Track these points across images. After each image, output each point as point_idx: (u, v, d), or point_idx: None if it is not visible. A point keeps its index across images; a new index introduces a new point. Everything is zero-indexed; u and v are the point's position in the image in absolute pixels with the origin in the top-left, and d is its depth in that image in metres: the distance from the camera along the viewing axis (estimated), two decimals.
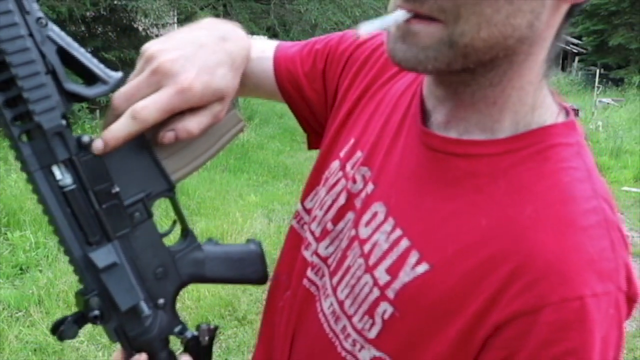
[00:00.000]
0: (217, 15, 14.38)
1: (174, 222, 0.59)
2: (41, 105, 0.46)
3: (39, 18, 0.46)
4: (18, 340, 2.86)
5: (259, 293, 3.58)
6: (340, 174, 0.65)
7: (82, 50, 0.49)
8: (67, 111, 0.50)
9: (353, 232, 0.60)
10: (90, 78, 0.50)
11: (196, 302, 3.24)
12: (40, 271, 3.60)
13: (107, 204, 0.51)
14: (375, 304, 0.55)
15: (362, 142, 0.64)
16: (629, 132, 9.99)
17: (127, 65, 10.10)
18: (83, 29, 10.38)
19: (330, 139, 0.69)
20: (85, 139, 0.52)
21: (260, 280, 0.66)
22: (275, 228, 4.69)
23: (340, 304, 0.59)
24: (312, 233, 0.67)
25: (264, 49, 0.76)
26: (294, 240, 0.73)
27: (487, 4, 0.46)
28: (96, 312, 0.54)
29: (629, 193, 6.68)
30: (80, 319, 0.55)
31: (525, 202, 0.50)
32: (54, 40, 0.47)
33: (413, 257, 0.53)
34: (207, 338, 0.61)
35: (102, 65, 0.51)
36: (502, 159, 0.52)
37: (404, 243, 0.54)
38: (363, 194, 0.60)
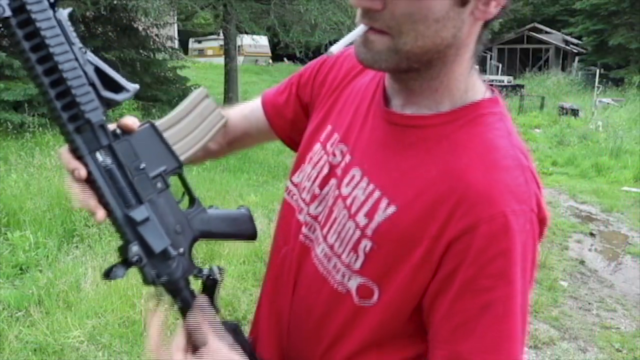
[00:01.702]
0: (217, 16, 14.40)
1: (183, 194, 0.76)
2: (89, 106, 0.64)
3: (81, 47, 0.64)
4: (18, 340, 2.86)
5: (258, 293, 3.58)
6: (322, 152, 0.82)
7: (110, 68, 0.67)
8: (105, 111, 0.66)
9: (337, 192, 0.77)
10: (117, 88, 0.67)
11: None
12: (40, 271, 3.60)
13: (138, 176, 0.68)
14: (358, 241, 0.72)
15: (338, 126, 0.82)
16: (629, 132, 9.99)
17: (127, 65, 10.09)
18: (83, 28, 10.36)
19: (311, 130, 0.87)
20: (119, 130, 0.69)
21: (252, 236, 0.84)
22: (275, 228, 4.68)
23: (330, 247, 0.75)
24: (303, 200, 0.83)
25: (252, 108, 0.99)
26: (287, 211, 0.89)
27: (421, 23, 0.64)
28: (136, 257, 0.67)
29: (629, 193, 6.68)
30: (124, 264, 0.68)
31: (461, 155, 0.68)
32: (91, 62, 0.65)
33: (384, 202, 0.70)
34: (218, 275, 0.77)
35: (124, 79, 0.68)
36: (444, 127, 0.71)
37: (377, 194, 0.71)
38: (342, 164, 0.78)
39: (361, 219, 0.72)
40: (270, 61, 31.27)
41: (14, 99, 7.72)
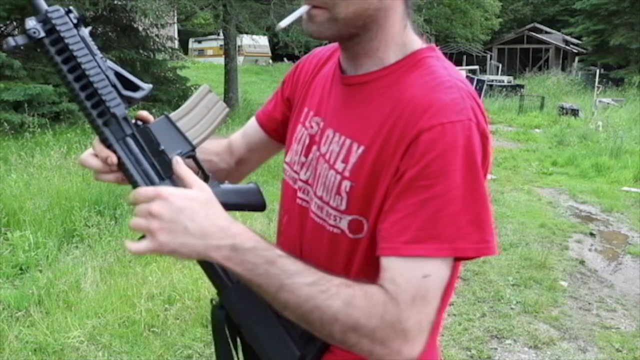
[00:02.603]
0: (217, 16, 14.39)
1: (197, 173, 0.84)
2: (113, 102, 0.78)
3: (101, 57, 0.78)
4: (18, 340, 2.86)
5: None
6: (303, 129, 0.95)
7: (126, 72, 0.82)
8: (126, 106, 0.80)
9: (318, 154, 0.89)
10: (134, 88, 0.82)
11: (196, 302, 3.24)
12: (40, 271, 3.60)
13: (158, 157, 0.81)
14: (340, 185, 0.83)
15: (312, 106, 0.95)
16: (629, 132, 9.98)
17: (127, 65, 10.09)
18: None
19: (294, 118, 1.01)
20: (139, 122, 0.83)
21: (262, 206, 0.93)
22: (275, 228, 4.68)
23: (320, 198, 0.86)
24: (295, 172, 0.95)
25: (249, 124, 1.12)
26: (285, 187, 1.00)
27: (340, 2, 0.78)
28: None
29: (629, 193, 6.68)
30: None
31: (407, 89, 0.80)
32: (111, 67, 0.80)
33: (354, 146, 0.82)
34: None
35: (139, 79, 0.83)
36: (392, 75, 0.83)
37: (347, 141, 0.84)
38: (319, 131, 0.91)
39: (339, 165, 0.83)
40: (270, 61, 31.24)
41: (14, 99, 7.72)
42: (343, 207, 0.82)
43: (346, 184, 0.81)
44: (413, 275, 0.72)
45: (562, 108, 13.57)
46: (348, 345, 0.73)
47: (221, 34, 14.49)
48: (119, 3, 10.14)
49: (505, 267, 4.21)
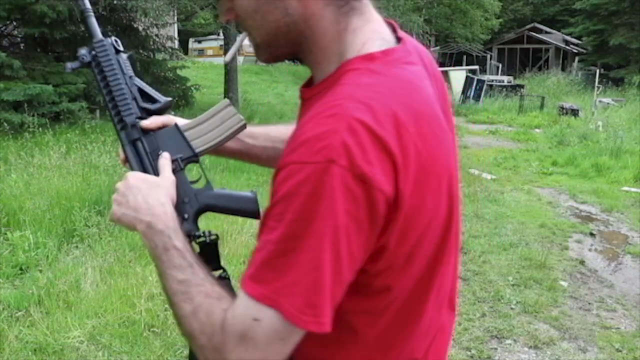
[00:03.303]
0: (217, 15, 14.34)
1: (199, 177, 0.95)
2: (126, 112, 0.93)
3: (131, 76, 0.95)
4: (18, 340, 2.86)
5: None
6: None
7: (149, 87, 0.96)
8: (141, 116, 0.93)
9: None
10: (153, 100, 0.95)
11: None
12: (40, 271, 3.60)
13: (157, 159, 0.91)
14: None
15: None
16: (629, 132, 9.98)
17: None
18: (83, 28, 10.35)
19: None
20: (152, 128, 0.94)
21: (255, 214, 0.95)
22: None
23: None
24: None
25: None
26: None
27: (248, 19, 0.78)
28: None
29: (629, 193, 6.68)
30: None
31: (312, 109, 0.70)
32: (137, 84, 0.95)
33: None
34: (209, 237, 0.90)
35: (159, 94, 0.96)
36: (320, 92, 0.74)
37: None
38: None
39: None
40: None
41: (14, 99, 7.71)
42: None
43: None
44: (245, 314, 0.68)
45: (562, 108, 13.57)
46: (191, 339, 0.76)
47: (221, 34, 14.49)
48: (119, 3, 10.14)
49: (505, 267, 4.21)
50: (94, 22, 0.96)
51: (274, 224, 0.67)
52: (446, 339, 0.90)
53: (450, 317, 0.90)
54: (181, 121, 0.96)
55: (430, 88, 0.79)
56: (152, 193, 0.83)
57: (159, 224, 0.80)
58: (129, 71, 0.95)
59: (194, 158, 0.92)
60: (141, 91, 0.95)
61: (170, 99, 0.96)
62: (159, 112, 0.94)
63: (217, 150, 0.97)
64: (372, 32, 0.78)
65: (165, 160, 0.89)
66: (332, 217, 0.63)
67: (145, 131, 0.92)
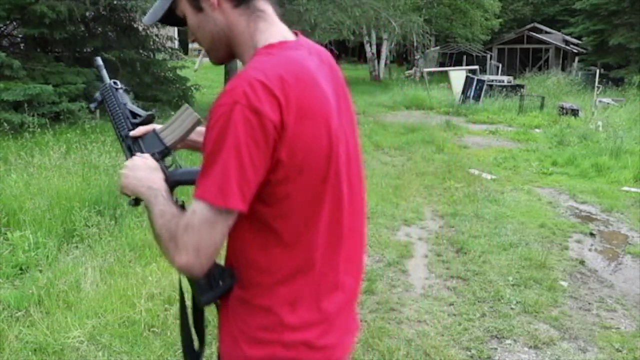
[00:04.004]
0: None
1: (172, 164, 1.28)
2: (121, 127, 1.33)
3: (125, 103, 1.35)
4: (18, 340, 2.86)
5: None
6: None
7: (134, 107, 1.35)
8: (131, 128, 1.31)
9: None
10: (138, 116, 1.34)
11: None
12: (40, 271, 3.60)
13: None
14: None
15: None
16: (629, 132, 9.97)
17: (127, 65, 10.07)
18: (83, 28, 10.35)
19: None
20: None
21: None
22: None
23: None
24: None
25: None
26: None
27: (196, 33, 1.18)
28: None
29: (629, 193, 6.68)
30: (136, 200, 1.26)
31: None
32: (128, 107, 1.35)
33: None
34: (180, 202, 1.18)
35: (141, 110, 1.36)
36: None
37: None
38: None
39: None
40: None
41: (14, 99, 7.71)
42: None
43: None
44: (189, 211, 1.04)
45: (562, 108, 13.56)
46: (164, 250, 1.09)
47: None
48: (119, 3, 10.13)
49: (505, 267, 4.21)
50: (104, 72, 1.43)
51: (206, 147, 1.02)
52: (347, 298, 1.20)
53: (351, 278, 1.21)
54: (158, 127, 1.30)
55: (314, 67, 1.10)
56: (150, 169, 1.20)
57: (155, 185, 1.16)
58: (124, 99, 1.36)
59: (166, 150, 1.27)
60: (131, 112, 1.35)
61: (150, 113, 1.34)
62: (144, 123, 1.31)
63: (186, 143, 1.34)
64: (274, 32, 1.14)
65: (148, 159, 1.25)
66: (236, 137, 0.97)
67: (135, 138, 1.30)
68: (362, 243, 1.25)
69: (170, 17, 1.21)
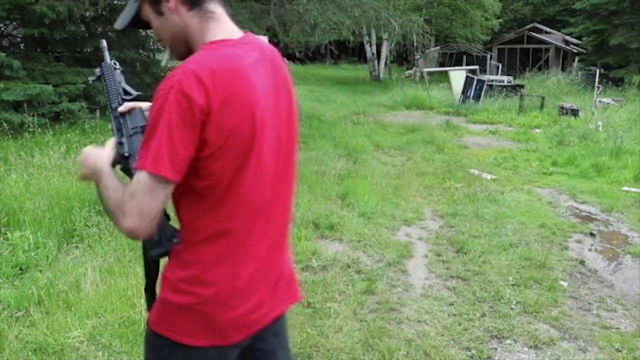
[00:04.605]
0: None
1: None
2: (114, 102, 1.44)
3: (120, 82, 1.47)
4: (18, 340, 2.86)
5: None
6: None
7: (126, 86, 1.47)
8: (121, 104, 1.42)
9: None
10: (130, 94, 1.45)
11: None
12: (40, 271, 3.60)
13: (126, 124, 1.40)
14: None
15: None
16: (629, 132, 9.97)
17: (127, 65, 10.07)
18: (83, 28, 10.35)
19: None
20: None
21: None
22: None
23: None
24: None
25: None
26: None
27: (161, 33, 1.36)
28: (125, 154, 1.33)
29: (629, 193, 6.68)
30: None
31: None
32: (122, 85, 1.47)
33: None
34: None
35: (131, 88, 1.47)
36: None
37: None
38: None
39: None
40: None
41: (14, 99, 7.71)
42: None
43: None
44: (134, 180, 1.20)
45: (562, 108, 13.56)
46: (113, 219, 1.25)
47: None
48: (119, 3, 10.12)
49: (505, 267, 4.21)
50: (107, 54, 1.54)
51: (149, 122, 1.21)
52: (268, 270, 1.38)
53: (279, 254, 1.41)
54: (145, 104, 1.40)
55: (251, 62, 1.28)
56: (97, 157, 1.33)
57: (98, 164, 1.31)
58: (120, 79, 1.48)
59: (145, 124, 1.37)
60: (124, 90, 1.46)
61: (139, 93, 1.46)
62: (133, 101, 1.43)
63: None
64: (221, 31, 1.31)
65: (111, 141, 1.38)
66: (169, 117, 1.16)
67: (123, 113, 1.40)
68: (286, 219, 1.44)
69: (139, 21, 1.37)
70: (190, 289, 1.27)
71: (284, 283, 1.45)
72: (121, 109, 1.40)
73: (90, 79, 1.55)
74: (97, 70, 1.51)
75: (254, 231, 1.31)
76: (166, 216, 1.29)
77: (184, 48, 1.34)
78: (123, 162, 1.35)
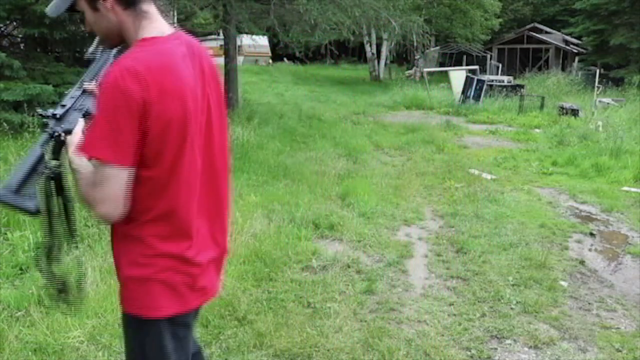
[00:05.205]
0: (217, 16, 14.35)
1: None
2: (86, 75, 1.63)
3: (113, 54, 1.61)
4: (18, 340, 2.86)
5: (259, 293, 3.58)
6: None
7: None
8: (91, 82, 1.57)
9: None
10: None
11: None
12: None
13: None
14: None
15: None
16: (629, 132, 9.97)
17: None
18: (83, 28, 10.35)
19: None
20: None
21: None
22: (276, 228, 4.69)
23: None
24: None
25: None
26: None
27: (94, 27, 1.48)
28: (57, 115, 1.47)
29: (629, 193, 6.68)
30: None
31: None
32: (105, 69, 1.56)
33: None
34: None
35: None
36: None
37: None
38: None
39: None
40: (270, 61, 31.20)
41: (14, 99, 7.71)
42: None
43: None
44: (92, 170, 1.38)
45: (562, 108, 13.56)
46: (88, 205, 1.44)
47: (221, 34, 14.47)
48: None
49: (505, 267, 4.21)
50: (115, 50, 1.61)
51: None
52: (212, 250, 1.57)
53: (220, 230, 1.60)
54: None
55: (180, 56, 1.41)
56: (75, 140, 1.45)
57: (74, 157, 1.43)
58: (110, 57, 1.57)
59: None
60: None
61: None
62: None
63: None
64: (154, 29, 1.44)
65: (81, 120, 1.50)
66: (108, 109, 1.31)
67: (85, 91, 1.53)
68: (223, 200, 1.60)
69: (70, 9, 1.49)
70: (147, 262, 1.44)
71: (221, 266, 1.64)
72: (86, 85, 1.54)
73: (89, 51, 1.62)
74: (98, 52, 1.60)
75: (194, 208, 1.48)
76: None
77: (117, 41, 1.48)
78: (48, 120, 1.45)
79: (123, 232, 1.46)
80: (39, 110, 1.49)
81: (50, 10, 1.48)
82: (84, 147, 1.35)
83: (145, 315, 1.46)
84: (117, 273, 1.51)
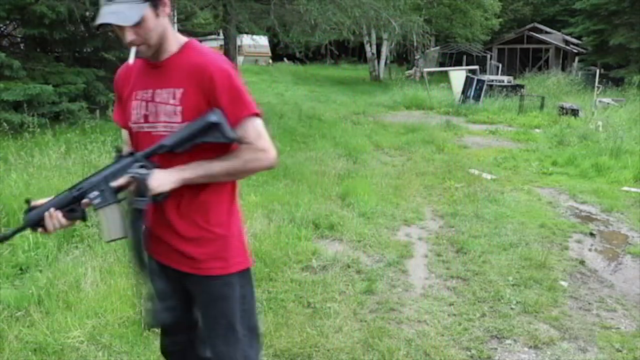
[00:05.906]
0: (217, 16, 14.35)
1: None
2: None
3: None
4: (18, 340, 2.86)
5: (259, 293, 3.58)
6: (136, 102, 1.73)
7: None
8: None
9: (154, 103, 1.69)
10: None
11: None
12: (40, 271, 3.60)
13: None
14: (174, 110, 1.65)
15: (135, 89, 1.76)
16: (629, 132, 9.97)
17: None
18: (83, 28, 10.35)
19: (125, 102, 1.80)
20: None
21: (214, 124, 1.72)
22: (276, 228, 4.69)
23: (165, 122, 1.68)
24: (140, 122, 1.72)
25: (123, 132, 1.88)
26: (137, 134, 1.75)
27: (151, 32, 1.60)
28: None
29: (629, 193, 6.67)
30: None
31: (190, 58, 1.67)
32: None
33: (176, 91, 1.66)
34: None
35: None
36: (179, 55, 1.68)
37: (171, 90, 1.67)
38: (151, 94, 1.71)
39: (171, 101, 1.65)
40: (270, 61, 31.21)
41: (14, 99, 7.72)
42: (179, 120, 1.63)
43: (178, 109, 1.63)
44: (251, 127, 1.66)
45: (562, 108, 13.56)
46: (246, 172, 1.75)
47: (221, 34, 14.47)
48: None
49: (505, 267, 4.21)
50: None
51: (231, 91, 1.65)
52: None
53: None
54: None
55: None
56: (170, 176, 1.64)
57: (175, 177, 1.64)
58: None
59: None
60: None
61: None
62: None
63: None
64: (178, 34, 1.70)
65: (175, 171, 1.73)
66: (240, 83, 1.67)
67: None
68: None
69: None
70: (233, 220, 1.76)
71: None
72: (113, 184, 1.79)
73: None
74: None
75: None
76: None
77: (158, 48, 1.64)
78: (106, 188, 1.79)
79: (218, 197, 1.72)
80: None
81: (119, 19, 1.52)
82: (252, 109, 1.63)
83: (246, 267, 1.76)
84: (202, 239, 1.71)
